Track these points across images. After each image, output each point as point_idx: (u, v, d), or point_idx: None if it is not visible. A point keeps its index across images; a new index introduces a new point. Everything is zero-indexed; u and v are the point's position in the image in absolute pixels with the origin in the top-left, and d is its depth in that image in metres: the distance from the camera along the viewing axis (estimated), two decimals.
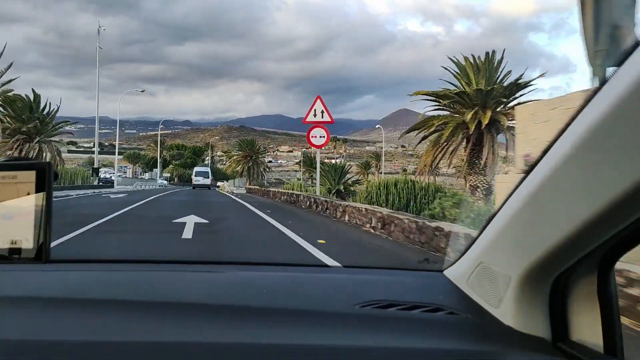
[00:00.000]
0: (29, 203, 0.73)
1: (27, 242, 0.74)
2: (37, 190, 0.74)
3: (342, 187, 34.26)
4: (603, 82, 0.69)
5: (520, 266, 0.95)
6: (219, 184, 68.22)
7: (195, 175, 48.57)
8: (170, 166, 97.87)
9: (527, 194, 0.89)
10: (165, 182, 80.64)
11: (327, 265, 3.85)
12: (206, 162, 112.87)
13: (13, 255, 0.74)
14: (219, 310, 1.12)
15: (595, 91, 0.70)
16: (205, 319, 1.08)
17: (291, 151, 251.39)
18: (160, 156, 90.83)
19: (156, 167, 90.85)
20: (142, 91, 50.37)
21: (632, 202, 0.66)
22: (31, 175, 0.74)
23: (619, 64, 0.67)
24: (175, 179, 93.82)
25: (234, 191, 42.31)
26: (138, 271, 1.49)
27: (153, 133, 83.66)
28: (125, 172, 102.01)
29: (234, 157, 79.79)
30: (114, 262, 1.66)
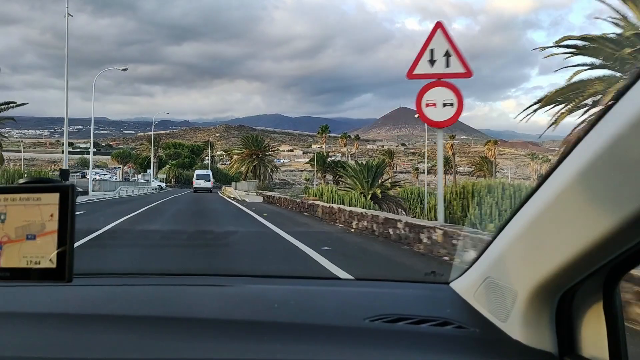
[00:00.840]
0: (53, 224, 0.76)
1: (51, 262, 0.76)
2: (61, 211, 0.76)
3: (378, 191, 26.95)
4: (618, 97, 0.69)
5: (528, 282, 0.96)
6: (224, 187, 60.25)
7: (196, 179, 47.58)
8: (167, 166, 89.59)
9: (535, 211, 0.90)
10: (162, 184, 72.51)
11: (336, 278, 3.54)
12: (205, 162, 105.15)
13: (37, 275, 0.77)
14: (232, 326, 1.15)
15: (603, 112, 0.72)
16: (219, 334, 1.10)
17: (291, 150, 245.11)
18: (154, 155, 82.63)
19: (152, 168, 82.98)
20: (125, 69, 44.46)
21: (638, 223, 0.67)
22: (55, 197, 0.76)
23: (627, 88, 0.68)
24: (172, 181, 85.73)
25: (245, 199, 33.68)
26: (152, 285, 1.53)
27: (152, 133, 75.25)
28: (116, 173, 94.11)
29: (237, 156, 71.55)
30: (129, 276, 1.69)
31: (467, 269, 1.31)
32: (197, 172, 51.58)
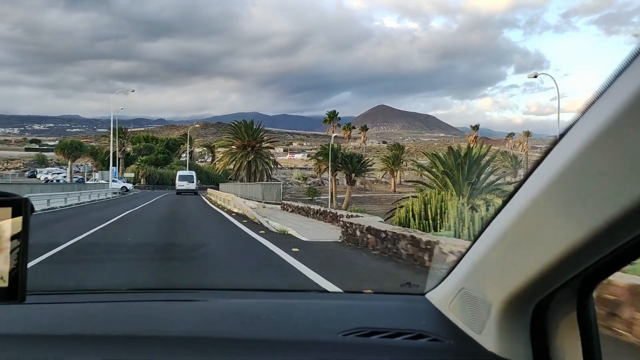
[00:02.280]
0: (4, 240, 0.72)
1: (3, 281, 0.72)
2: (13, 226, 0.72)
3: (481, 202, 14.59)
4: (584, 110, 0.70)
5: (502, 293, 0.96)
6: (209, 190, 45.41)
7: (179, 180, 45.73)
8: (134, 164, 73.60)
9: (507, 223, 0.90)
10: (128, 185, 56.99)
11: (311, 290, 3.42)
12: (183, 158, 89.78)
13: None
14: (203, 343, 1.13)
15: (576, 119, 0.72)
16: (189, 352, 1.08)
17: (273, 148, 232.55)
18: (119, 150, 66.89)
19: (116, 165, 67.40)
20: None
21: (613, 231, 0.67)
22: (7, 211, 0.73)
23: (595, 98, 0.68)
24: (142, 180, 70.03)
25: (270, 222, 15.77)
26: (121, 302, 1.45)
27: (129, 130, 59.22)
28: (79, 171, 78.00)
29: (225, 150, 56.33)
30: (92, 293, 1.63)
31: (442, 279, 1.29)
32: (180, 173, 49.24)
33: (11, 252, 0.71)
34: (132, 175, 66.49)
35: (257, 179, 51.51)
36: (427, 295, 1.37)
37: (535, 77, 33.44)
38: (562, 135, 0.75)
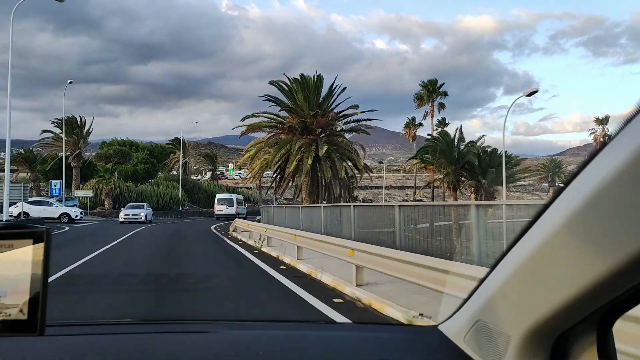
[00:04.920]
0: (25, 273, 0.71)
1: (22, 313, 0.71)
2: (34, 259, 0.72)
3: None
4: (605, 142, 0.69)
5: (521, 326, 0.93)
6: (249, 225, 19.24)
7: (217, 204, 43.50)
8: (95, 178, 45.17)
9: (526, 254, 0.88)
10: (73, 210, 31.41)
11: (321, 322, 3.45)
12: (173, 172, 63.19)
13: (6, 327, 0.72)
14: None
15: (598, 150, 0.70)
16: None
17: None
18: (70, 153, 39.82)
19: (73, 179, 40.38)
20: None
21: (635, 266, 0.66)
22: (28, 243, 0.72)
23: (620, 129, 0.67)
24: (106, 202, 42.60)
25: None
26: (132, 333, 1.47)
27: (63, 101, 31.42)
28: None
29: (259, 143, 29.48)
30: (104, 324, 1.64)
31: (456, 310, 1.26)
32: (219, 196, 45.73)
33: (32, 284, 0.71)
34: (90, 193, 39.65)
35: (327, 197, 25.12)
36: (440, 327, 1.32)
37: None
38: (584, 165, 0.72)
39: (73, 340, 1.31)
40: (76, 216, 30.67)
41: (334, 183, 24.95)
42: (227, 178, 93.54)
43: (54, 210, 30.34)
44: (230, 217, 36.92)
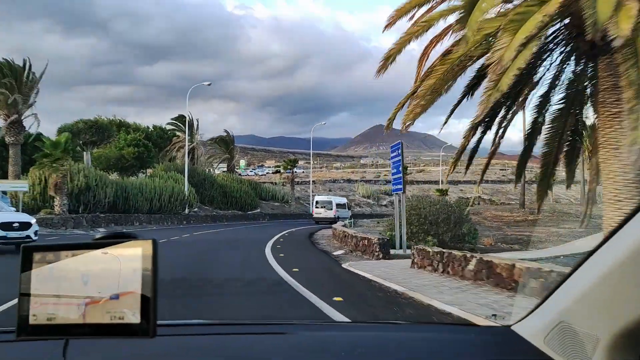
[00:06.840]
0: (136, 279, 0.76)
1: (135, 317, 0.76)
2: (144, 266, 0.77)
3: None
4: None
5: (611, 329, 0.90)
6: None
7: (316, 207, 42.01)
8: (36, 165, 26.41)
9: (621, 252, 0.85)
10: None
11: (393, 323, 3.20)
12: (178, 160, 47.19)
13: (120, 330, 0.77)
14: None
15: None
16: None
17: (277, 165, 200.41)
18: (4, 119, 23.94)
19: (10, 164, 24.51)
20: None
21: None
22: (138, 252, 0.78)
23: None
24: (56, 204, 24.84)
25: None
26: (226, 334, 1.50)
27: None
28: None
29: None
30: (205, 325, 1.68)
31: (533, 310, 1.24)
32: (318, 198, 44.35)
33: (142, 290, 0.76)
34: (23, 186, 22.79)
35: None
36: (513, 327, 1.29)
37: None
38: None
39: (180, 341, 1.34)
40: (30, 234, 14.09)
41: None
42: (240, 174, 77.58)
43: None
44: (331, 222, 33.78)
